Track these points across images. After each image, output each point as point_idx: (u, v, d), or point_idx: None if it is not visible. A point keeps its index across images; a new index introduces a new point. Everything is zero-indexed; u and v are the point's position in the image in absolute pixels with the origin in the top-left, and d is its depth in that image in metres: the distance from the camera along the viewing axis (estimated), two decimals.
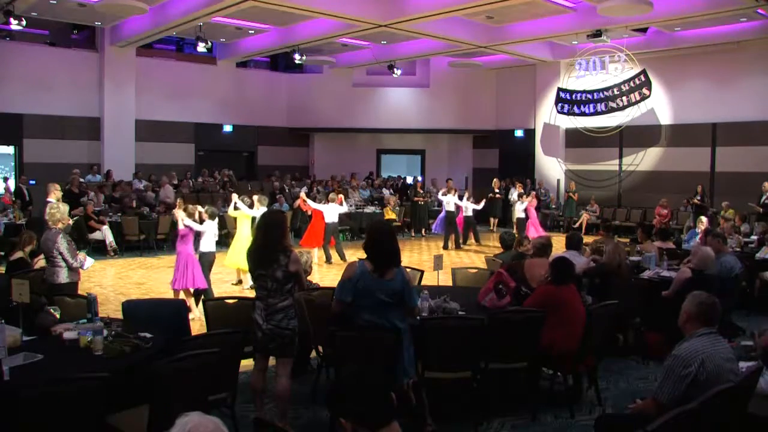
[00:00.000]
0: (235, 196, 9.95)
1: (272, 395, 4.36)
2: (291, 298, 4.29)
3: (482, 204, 15.01)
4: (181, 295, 7.73)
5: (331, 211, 11.87)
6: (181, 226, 7.79)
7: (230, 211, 9.63)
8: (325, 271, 10.85)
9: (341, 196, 13.34)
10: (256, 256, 4.34)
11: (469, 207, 14.52)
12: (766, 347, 3.86)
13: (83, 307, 4.69)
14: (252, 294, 8.84)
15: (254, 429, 4.23)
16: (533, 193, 16.09)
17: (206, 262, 7.98)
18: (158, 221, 13.07)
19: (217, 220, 8.25)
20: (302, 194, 13.45)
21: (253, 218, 9.55)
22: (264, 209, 9.64)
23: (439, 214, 17.07)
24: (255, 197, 9.90)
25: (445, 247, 14.16)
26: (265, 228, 4.37)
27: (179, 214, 7.87)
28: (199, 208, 8.32)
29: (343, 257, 11.84)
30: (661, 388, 3.30)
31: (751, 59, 15.49)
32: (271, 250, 4.26)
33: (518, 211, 14.90)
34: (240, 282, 9.84)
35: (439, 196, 15.05)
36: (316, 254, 11.85)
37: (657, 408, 3.25)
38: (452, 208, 14.36)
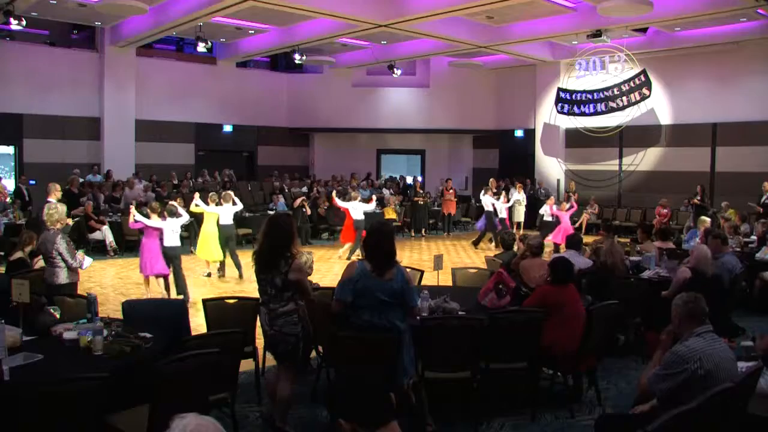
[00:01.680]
0: (196, 195, 10.78)
1: (276, 396, 4.34)
2: (293, 303, 4.19)
3: (511, 201, 15.18)
4: (152, 281, 8.71)
5: (357, 209, 12.57)
6: (131, 220, 8.63)
7: (191, 207, 10.32)
8: (325, 271, 10.85)
9: (373, 196, 14.31)
10: (259, 261, 4.25)
11: (502, 208, 14.72)
12: (767, 349, 3.86)
13: (83, 307, 4.69)
14: (219, 284, 9.63)
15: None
16: (573, 197, 15.64)
17: (169, 256, 8.52)
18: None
19: (184, 217, 8.95)
20: (333, 193, 14.47)
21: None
22: (229, 206, 10.32)
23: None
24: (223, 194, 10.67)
25: (475, 244, 14.44)
26: (269, 232, 4.23)
27: (132, 210, 8.79)
28: (173, 203, 9.27)
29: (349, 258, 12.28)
30: (655, 377, 3.35)
31: (751, 59, 15.49)
32: (272, 255, 4.16)
33: (545, 214, 14.78)
34: (209, 275, 10.50)
35: (481, 197, 15.37)
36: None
37: (645, 389, 3.32)
38: (491, 208, 14.51)
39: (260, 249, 4.27)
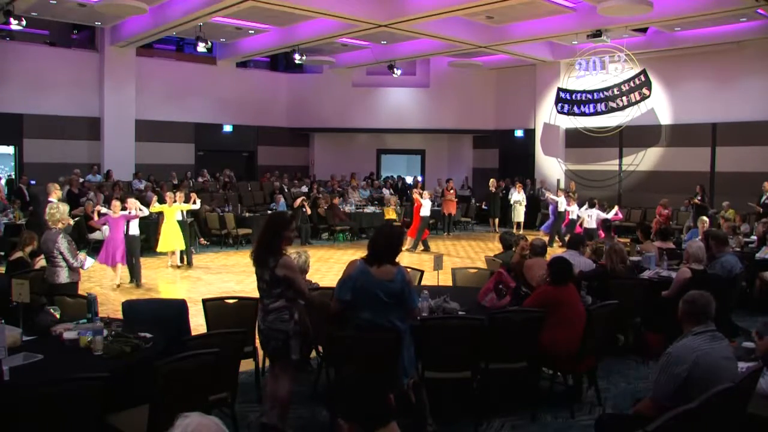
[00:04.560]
0: (155, 198, 11.98)
1: (276, 396, 4.33)
2: (283, 300, 4.16)
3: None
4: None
5: (426, 206, 13.74)
6: (96, 218, 10.27)
7: (151, 208, 11.18)
8: (326, 271, 10.86)
9: (430, 192, 15.35)
10: (253, 256, 4.29)
11: (575, 210, 14.30)
12: (766, 351, 3.86)
13: (83, 307, 4.69)
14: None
15: None
16: (617, 207, 15.15)
17: (132, 244, 9.69)
18: (158, 221, 13.05)
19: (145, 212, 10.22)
20: (418, 185, 16.36)
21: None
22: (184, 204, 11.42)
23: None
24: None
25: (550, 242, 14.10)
26: (263, 228, 4.29)
27: (98, 207, 10.27)
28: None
29: (427, 248, 13.75)
30: (656, 386, 3.31)
31: (751, 59, 15.49)
32: (261, 251, 4.21)
33: (587, 219, 14.03)
34: (173, 265, 11.42)
35: (555, 197, 15.05)
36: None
37: (654, 406, 3.25)
38: (562, 208, 14.26)
39: (254, 245, 4.34)
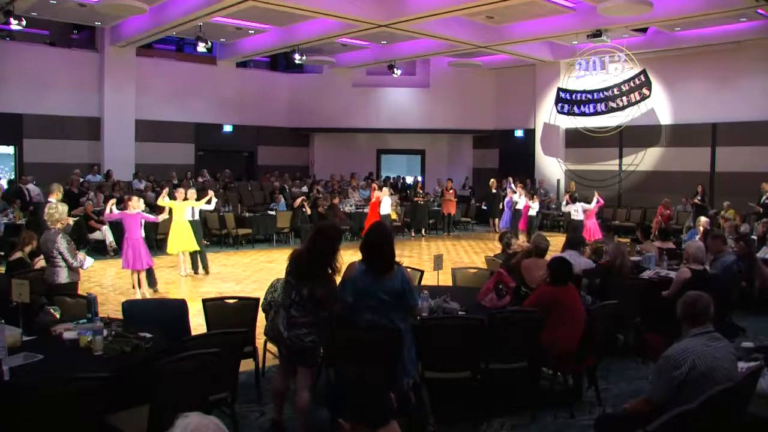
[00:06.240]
0: (165, 190, 11.31)
1: (292, 406, 4.28)
2: (312, 316, 4.09)
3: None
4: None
5: (386, 204, 13.79)
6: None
7: (159, 201, 10.72)
8: None
9: (389, 189, 15.34)
10: (295, 262, 4.14)
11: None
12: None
13: (83, 307, 4.69)
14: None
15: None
16: (596, 193, 14.84)
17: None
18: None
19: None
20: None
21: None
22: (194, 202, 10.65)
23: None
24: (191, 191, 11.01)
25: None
26: (315, 241, 4.12)
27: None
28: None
29: None
30: (654, 389, 3.31)
31: (751, 59, 15.49)
32: (309, 265, 4.07)
33: (573, 213, 14.01)
34: (186, 272, 10.66)
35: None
36: None
37: (649, 406, 3.25)
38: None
39: (301, 252, 4.20)
